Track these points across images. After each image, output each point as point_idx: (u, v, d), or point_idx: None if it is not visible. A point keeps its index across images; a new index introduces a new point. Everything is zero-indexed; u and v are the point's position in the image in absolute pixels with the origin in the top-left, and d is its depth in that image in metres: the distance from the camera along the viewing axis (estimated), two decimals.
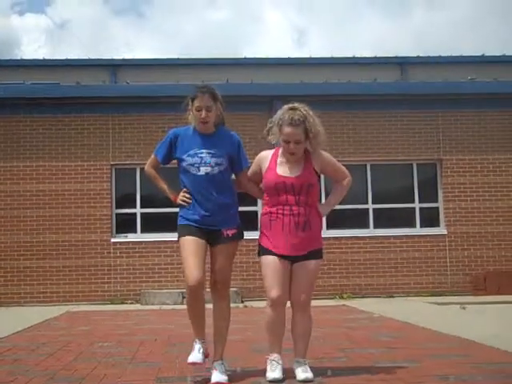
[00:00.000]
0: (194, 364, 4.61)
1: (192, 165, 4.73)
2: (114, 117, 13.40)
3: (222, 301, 4.77)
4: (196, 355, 4.61)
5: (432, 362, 5.28)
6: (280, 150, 4.83)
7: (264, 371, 4.70)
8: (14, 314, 11.07)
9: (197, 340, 4.69)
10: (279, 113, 4.78)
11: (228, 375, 4.61)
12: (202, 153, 4.73)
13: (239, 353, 5.75)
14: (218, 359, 4.69)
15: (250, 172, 4.97)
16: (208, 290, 4.73)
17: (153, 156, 4.95)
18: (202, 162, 4.72)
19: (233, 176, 4.97)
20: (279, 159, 4.80)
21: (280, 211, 4.70)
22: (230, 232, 4.76)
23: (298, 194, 4.69)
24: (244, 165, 4.92)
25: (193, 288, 4.57)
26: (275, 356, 4.69)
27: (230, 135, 4.89)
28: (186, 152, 4.76)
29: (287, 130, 4.67)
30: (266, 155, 4.90)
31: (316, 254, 4.76)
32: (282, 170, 4.75)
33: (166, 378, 4.76)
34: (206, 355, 4.68)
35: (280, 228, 4.68)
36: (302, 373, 4.60)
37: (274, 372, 4.60)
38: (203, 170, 4.72)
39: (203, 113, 4.71)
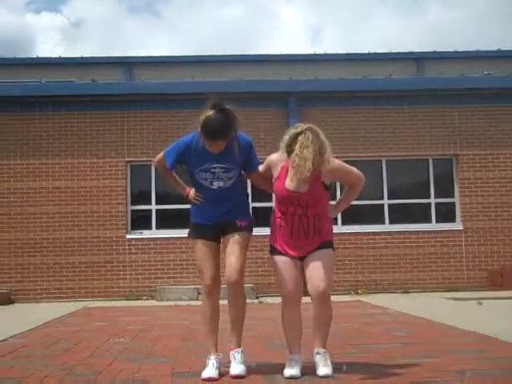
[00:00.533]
0: (209, 379, 4.50)
1: (205, 179, 4.73)
2: (129, 114, 13.44)
3: (237, 290, 4.71)
4: (211, 371, 4.57)
5: (448, 357, 5.26)
6: (290, 163, 4.70)
7: (279, 367, 4.70)
8: (30, 310, 11.14)
9: (210, 356, 4.67)
10: (286, 138, 4.64)
11: (246, 366, 4.64)
12: (214, 168, 4.69)
13: (254, 349, 5.75)
14: (235, 348, 4.72)
15: (260, 169, 4.95)
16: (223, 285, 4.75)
17: (162, 155, 4.89)
18: (215, 177, 4.71)
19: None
20: (290, 169, 4.69)
21: (289, 219, 4.71)
22: (244, 223, 4.78)
23: (305, 206, 4.68)
24: (256, 164, 4.90)
25: (209, 287, 4.69)
26: (295, 356, 4.71)
27: (240, 139, 4.74)
28: (198, 166, 4.71)
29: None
30: (277, 162, 4.79)
31: (326, 245, 4.73)
32: (290, 184, 4.68)
33: (181, 373, 4.77)
34: (220, 369, 4.63)
35: (289, 235, 4.71)
36: (323, 367, 4.60)
37: (292, 369, 4.59)
38: (216, 185, 4.73)
39: (214, 150, 4.62)
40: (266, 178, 4.95)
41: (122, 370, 4.94)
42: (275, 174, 4.80)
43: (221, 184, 4.72)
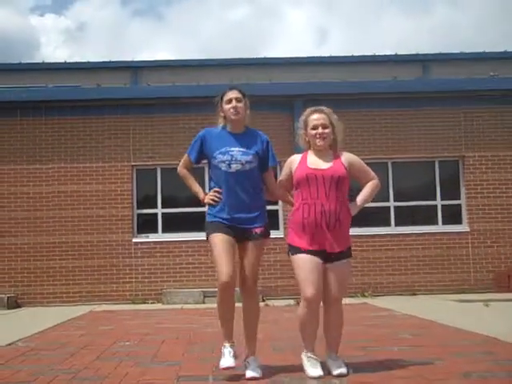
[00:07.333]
0: (227, 369, 4.60)
1: (223, 162, 4.80)
2: (135, 118, 13.46)
3: (251, 297, 4.84)
4: (228, 359, 4.64)
5: (455, 359, 5.24)
6: (309, 152, 4.92)
7: (283, 369, 4.71)
8: (37, 313, 11.15)
9: (225, 344, 4.72)
10: (303, 115, 4.95)
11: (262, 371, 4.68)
12: (232, 150, 4.81)
13: (260, 351, 5.73)
14: (250, 355, 4.77)
15: (282, 175, 5.04)
16: (237, 288, 4.77)
17: (186, 156, 5.03)
18: (233, 159, 4.79)
19: None
20: (309, 158, 4.88)
21: (312, 207, 4.72)
22: (259, 230, 4.81)
23: (328, 186, 4.72)
24: (271, 163, 4.97)
25: (225, 284, 4.65)
26: (312, 353, 4.75)
27: (258, 134, 4.99)
28: (217, 149, 4.83)
29: (313, 116, 4.85)
30: (296, 158, 4.97)
31: (346, 253, 4.88)
32: (313, 163, 4.83)
33: (187, 377, 4.77)
34: (236, 357, 4.69)
35: (312, 224, 4.72)
36: (337, 368, 4.66)
37: (316, 369, 4.65)
38: (234, 168, 4.79)
39: (233, 103, 4.83)
40: (285, 187, 5.04)
41: (128, 373, 4.95)
42: (295, 165, 4.90)
43: (239, 167, 4.78)
